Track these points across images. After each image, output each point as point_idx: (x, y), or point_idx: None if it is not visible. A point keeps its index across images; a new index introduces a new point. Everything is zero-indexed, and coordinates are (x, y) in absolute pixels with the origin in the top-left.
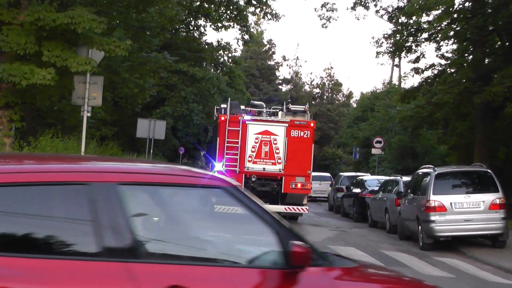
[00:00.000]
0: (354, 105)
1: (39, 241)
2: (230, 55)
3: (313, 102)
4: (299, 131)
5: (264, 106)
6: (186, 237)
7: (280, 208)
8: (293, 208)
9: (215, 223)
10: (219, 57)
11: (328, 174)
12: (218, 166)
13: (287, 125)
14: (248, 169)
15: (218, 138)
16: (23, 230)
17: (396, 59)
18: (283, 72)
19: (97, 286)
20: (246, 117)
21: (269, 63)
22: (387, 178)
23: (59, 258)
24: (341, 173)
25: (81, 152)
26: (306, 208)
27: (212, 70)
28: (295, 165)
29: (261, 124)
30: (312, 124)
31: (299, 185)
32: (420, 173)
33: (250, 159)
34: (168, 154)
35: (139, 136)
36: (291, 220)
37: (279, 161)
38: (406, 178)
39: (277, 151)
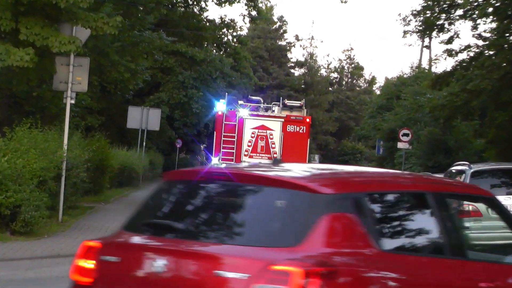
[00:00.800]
0: (378, 92)
1: (416, 242)
2: (235, 34)
3: (330, 89)
4: (295, 126)
5: (262, 101)
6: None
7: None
8: None
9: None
10: (223, 36)
11: None
12: (215, 160)
13: (283, 120)
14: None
15: (215, 133)
16: (410, 233)
17: (426, 40)
18: (296, 54)
19: (458, 279)
20: (243, 112)
21: (279, 43)
22: None
23: (425, 256)
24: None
25: (63, 144)
26: None
27: (215, 51)
28: (291, 159)
29: (258, 119)
30: (308, 120)
31: None
32: (453, 170)
33: (246, 153)
34: (163, 148)
35: (130, 126)
36: None
37: (275, 155)
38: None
39: (273, 145)
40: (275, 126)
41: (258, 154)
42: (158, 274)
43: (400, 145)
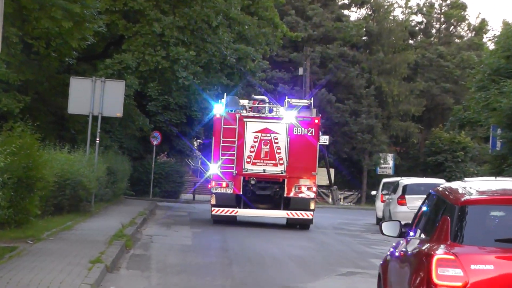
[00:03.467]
0: (491, 47)
1: None
2: None
3: (410, 42)
4: (303, 129)
5: (267, 100)
6: None
7: (282, 213)
8: (296, 213)
9: None
10: None
11: (441, 182)
12: (213, 168)
13: (289, 122)
14: (246, 171)
15: (213, 137)
16: None
17: None
18: None
19: None
20: (243, 113)
21: None
22: None
23: None
24: (466, 179)
25: None
26: (310, 214)
27: None
28: (299, 166)
29: (261, 121)
30: (316, 121)
31: (303, 188)
32: None
33: (249, 160)
34: (130, 146)
35: (74, 112)
36: (301, 228)
37: (281, 162)
38: None
39: (279, 151)
40: (280, 129)
41: (262, 161)
42: None
43: None
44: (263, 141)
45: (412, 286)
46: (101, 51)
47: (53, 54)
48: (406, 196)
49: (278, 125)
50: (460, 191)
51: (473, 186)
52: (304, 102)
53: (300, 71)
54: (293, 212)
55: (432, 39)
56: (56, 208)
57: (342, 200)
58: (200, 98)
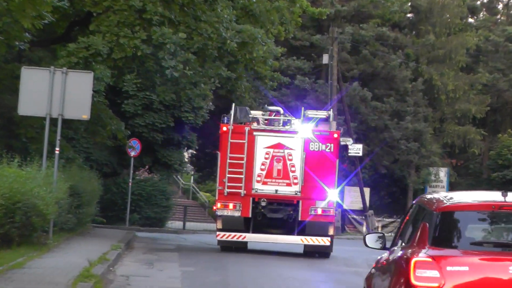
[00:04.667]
0: None
1: None
2: None
3: (470, 20)
4: (320, 144)
5: (282, 111)
6: None
7: (296, 239)
8: (312, 239)
9: None
10: None
11: None
12: (219, 187)
13: (305, 136)
14: (256, 191)
15: (219, 153)
16: None
17: None
18: None
19: None
20: (254, 126)
21: None
22: None
23: None
24: None
25: None
26: (328, 240)
27: None
28: (316, 186)
29: (273, 135)
30: (335, 135)
31: (319, 211)
32: None
33: (259, 179)
34: (101, 160)
35: (26, 113)
36: (320, 257)
37: (295, 181)
38: None
39: (293, 168)
40: (295, 144)
41: (274, 180)
42: None
43: None
44: (275, 157)
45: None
46: (62, 33)
47: None
48: None
49: (293, 140)
50: (439, 199)
51: (453, 196)
52: (322, 114)
53: (325, 58)
54: (309, 238)
55: (498, 16)
56: (2, 240)
57: (380, 228)
58: (193, 95)
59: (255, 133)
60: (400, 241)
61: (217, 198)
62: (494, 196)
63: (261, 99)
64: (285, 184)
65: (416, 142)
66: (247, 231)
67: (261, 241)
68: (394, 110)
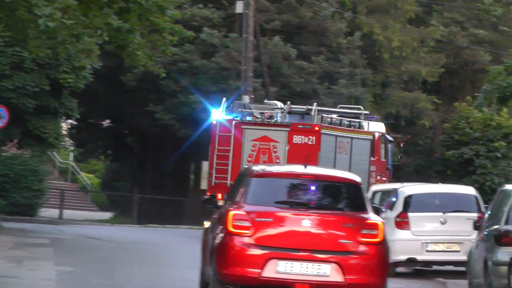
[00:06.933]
0: None
1: None
2: None
3: None
4: (303, 137)
5: (279, 106)
6: None
7: None
8: None
9: None
10: None
11: (472, 193)
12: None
13: (289, 129)
14: None
15: (210, 146)
16: None
17: None
18: None
19: None
20: (241, 120)
21: None
22: None
23: None
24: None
25: None
26: None
27: None
28: None
29: (259, 128)
30: (317, 128)
31: None
32: None
33: None
34: None
35: None
36: None
37: None
38: None
39: (277, 160)
40: (280, 137)
41: None
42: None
43: None
44: (261, 150)
45: (216, 234)
46: None
47: None
48: (409, 215)
49: (278, 133)
50: (255, 169)
51: (268, 167)
52: (304, 108)
53: (239, 6)
54: None
55: None
56: None
57: None
58: (74, 51)
59: (243, 126)
60: (228, 201)
61: (206, 188)
62: (297, 168)
63: (159, 57)
64: None
65: None
66: None
67: None
68: (324, 71)
